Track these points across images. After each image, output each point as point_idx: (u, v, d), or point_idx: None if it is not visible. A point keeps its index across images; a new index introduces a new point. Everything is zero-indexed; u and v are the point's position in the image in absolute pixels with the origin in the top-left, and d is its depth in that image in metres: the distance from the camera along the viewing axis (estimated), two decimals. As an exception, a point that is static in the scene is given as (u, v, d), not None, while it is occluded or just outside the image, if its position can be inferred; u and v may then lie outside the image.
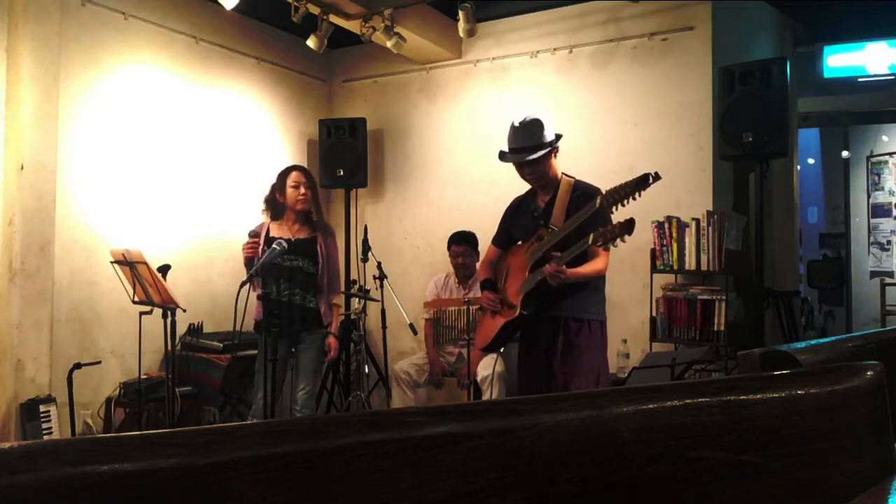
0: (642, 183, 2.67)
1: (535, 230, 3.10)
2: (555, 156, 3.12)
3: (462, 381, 4.69)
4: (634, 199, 2.71)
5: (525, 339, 3.23)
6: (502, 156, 3.13)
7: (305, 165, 5.84)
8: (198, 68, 5.03)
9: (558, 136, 3.12)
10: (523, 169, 3.11)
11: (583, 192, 3.04)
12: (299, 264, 3.89)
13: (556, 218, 3.04)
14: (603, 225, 2.78)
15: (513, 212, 3.34)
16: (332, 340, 4.03)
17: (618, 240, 2.70)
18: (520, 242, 3.25)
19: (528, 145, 3.05)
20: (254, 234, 3.89)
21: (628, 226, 2.67)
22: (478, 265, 3.41)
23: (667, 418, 0.78)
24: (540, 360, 3.09)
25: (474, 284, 4.86)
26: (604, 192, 2.81)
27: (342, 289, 4.18)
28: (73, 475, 0.57)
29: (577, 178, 3.17)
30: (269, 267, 3.74)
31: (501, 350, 3.77)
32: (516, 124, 3.10)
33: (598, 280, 3.11)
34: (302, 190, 3.95)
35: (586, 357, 3.03)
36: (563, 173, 3.17)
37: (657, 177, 2.67)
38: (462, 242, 4.89)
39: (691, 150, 4.66)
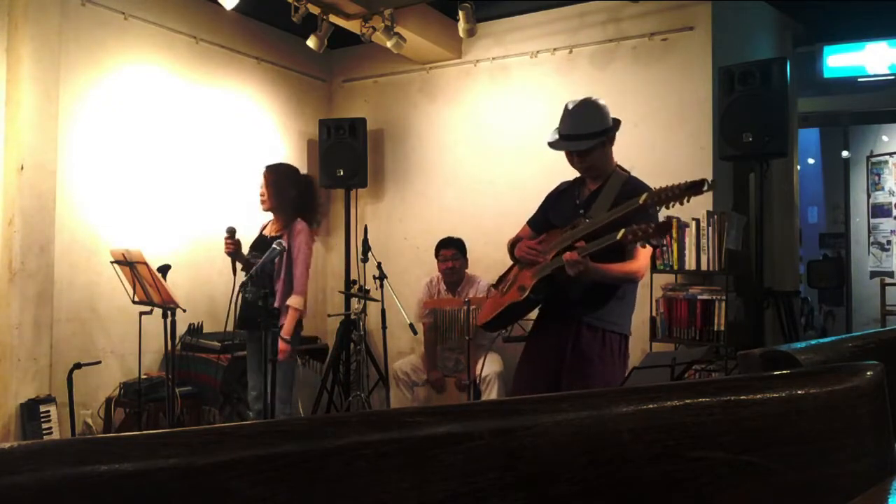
0: (695, 188, 2.45)
1: (573, 217, 2.85)
2: (611, 144, 2.87)
3: (461, 383, 4.68)
4: (682, 203, 2.51)
5: (532, 340, 3.01)
6: (551, 143, 2.89)
7: (305, 165, 5.87)
8: (198, 68, 5.03)
9: (616, 123, 2.87)
10: (573, 157, 2.87)
11: (633, 188, 2.79)
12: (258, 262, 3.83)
13: (597, 209, 2.79)
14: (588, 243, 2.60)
15: (556, 196, 3.07)
16: (279, 342, 3.71)
17: (652, 241, 2.49)
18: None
19: (578, 133, 2.80)
20: (230, 231, 3.82)
21: (665, 227, 2.48)
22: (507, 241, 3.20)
23: (667, 418, 0.78)
24: (546, 366, 2.84)
25: (464, 290, 4.84)
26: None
27: (302, 290, 3.86)
28: (73, 475, 0.57)
29: (577, 177, 3.03)
30: (269, 267, 3.75)
31: (499, 334, 3.47)
32: (569, 107, 2.84)
33: (627, 288, 2.85)
34: (261, 190, 3.95)
35: (598, 370, 2.76)
36: (617, 165, 2.93)
37: (713, 185, 2.48)
38: (450, 246, 4.87)
39: (691, 150, 4.66)
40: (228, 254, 3.83)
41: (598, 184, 2.91)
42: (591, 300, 2.79)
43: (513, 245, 3.05)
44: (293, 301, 3.84)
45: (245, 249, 3.96)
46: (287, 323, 3.80)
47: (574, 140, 2.81)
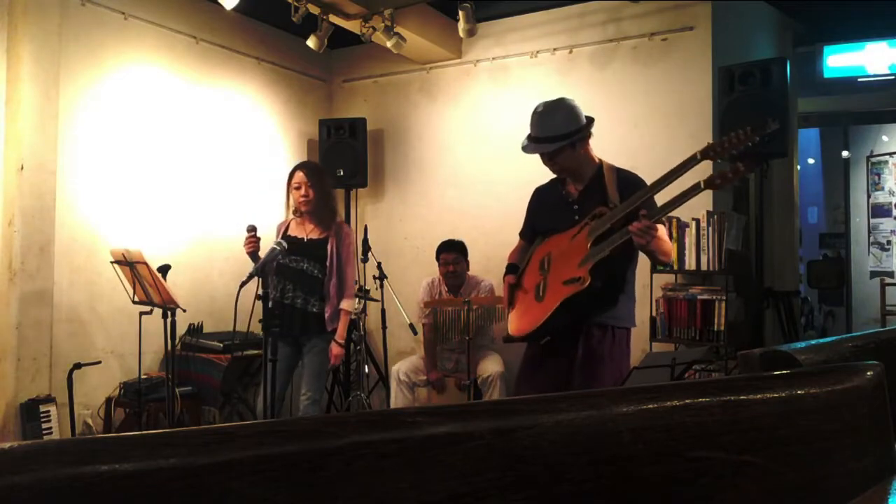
0: (760, 129, 2.55)
1: (568, 219, 2.79)
2: (583, 143, 2.80)
3: (461, 384, 4.68)
4: (750, 144, 2.60)
5: (536, 344, 2.88)
6: (523, 147, 2.87)
7: (305, 165, 5.87)
8: (198, 68, 5.03)
9: (590, 121, 2.82)
10: (545, 160, 2.84)
11: (626, 178, 2.79)
12: (304, 267, 3.74)
13: (595, 202, 2.75)
14: (649, 211, 2.55)
15: (538, 203, 3.05)
16: (333, 347, 3.75)
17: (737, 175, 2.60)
18: (545, 236, 2.94)
19: (546, 135, 2.77)
20: (251, 229, 3.61)
21: (754, 159, 2.64)
22: (509, 253, 3.10)
23: (667, 418, 0.78)
24: (555, 370, 2.77)
25: (466, 292, 4.81)
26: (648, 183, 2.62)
27: (352, 293, 3.87)
28: (73, 475, 0.57)
29: (552, 179, 3.00)
30: (269, 267, 3.63)
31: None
32: (538, 110, 2.81)
33: (630, 281, 2.84)
34: (303, 191, 3.74)
35: (608, 367, 2.74)
36: (599, 160, 2.89)
37: (773, 124, 2.62)
38: (452, 250, 4.83)
39: (691, 150, 4.58)
40: (249, 253, 3.59)
41: (581, 182, 2.87)
42: (602, 300, 2.72)
43: (512, 255, 3.06)
44: (346, 304, 3.79)
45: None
46: (340, 327, 3.76)
47: (542, 143, 2.79)
